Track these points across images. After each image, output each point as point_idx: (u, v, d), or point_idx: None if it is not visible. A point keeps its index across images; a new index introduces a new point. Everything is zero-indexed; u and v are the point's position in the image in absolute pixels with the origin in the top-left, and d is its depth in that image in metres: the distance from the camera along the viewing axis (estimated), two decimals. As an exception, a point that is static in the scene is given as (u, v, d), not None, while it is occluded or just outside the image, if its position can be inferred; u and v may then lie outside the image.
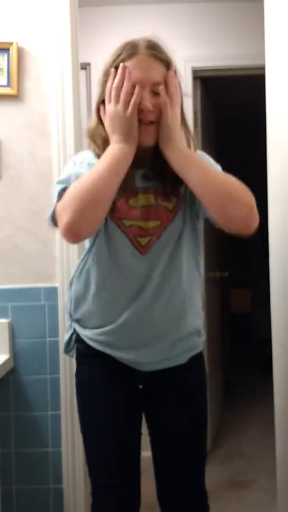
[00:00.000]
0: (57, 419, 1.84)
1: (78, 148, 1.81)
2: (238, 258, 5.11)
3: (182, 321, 1.33)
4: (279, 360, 1.82)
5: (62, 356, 1.82)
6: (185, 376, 1.36)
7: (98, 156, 1.26)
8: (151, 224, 1.27)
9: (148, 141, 1.24)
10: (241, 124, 4.50)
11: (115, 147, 1.20)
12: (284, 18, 1.76)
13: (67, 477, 1.84)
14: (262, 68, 1.83)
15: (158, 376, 1.34)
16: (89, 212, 1.15)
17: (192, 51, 2.71)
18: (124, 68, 1.19)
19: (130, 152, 1.20)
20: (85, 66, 2.60)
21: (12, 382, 1.84)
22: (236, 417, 3.40)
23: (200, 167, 1.22)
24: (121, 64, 1.20)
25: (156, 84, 1.21)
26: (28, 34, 1.82)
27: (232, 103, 3.83)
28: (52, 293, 1.84)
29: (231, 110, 3.97)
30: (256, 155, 2.59)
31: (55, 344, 1.83)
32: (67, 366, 1.81)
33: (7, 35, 1.82)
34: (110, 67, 1.23)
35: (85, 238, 1.25)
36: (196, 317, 1.37)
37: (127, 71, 1.19)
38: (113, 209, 1.25)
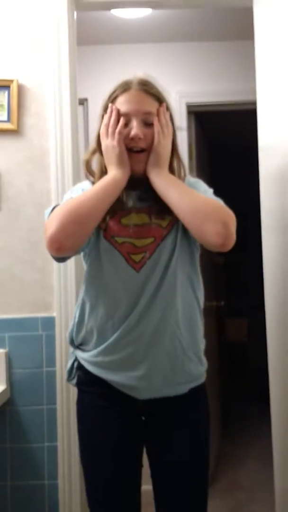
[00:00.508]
0: (53, 450, 1.82)
1: (76, 180, 1.86)
2: (234, 287, 5.13)
3: (177, 341, 1.32)
4: (276, 391, 1.80)
5: (59, 387, 1.82)
6: (188, 409, 1.35)
7: (93, 183, 1.35)
8: (145, 241, 1.32)
9: (140, 168, 1.32)
10: (235, 156, 4.59)
11: (109, 175, 1.30)
12: (273, 57, 1.85)
13: (64, 510, 1.81)
14: (254, 103, 1.89)
15: (159, 407, 1.33)
16: (72, 228, 1.22)
17: (186, 87, 2.80)
18: (111, 106, 1.31)
19: (122, 179, 1.29)
20: (82, 102, 2.68)
21: (9, 413, 1.82)
22: (234, 450, 3.35)
23: (179, 191, 1.29)
24: (109, 105, 1.32)
25: (148, 114, 1.31)
26: (28, 72, 1.89)
27: (225, 136, 3.93)
28: (49, 323, 1.84)
29: (224, 142, 4.07)
30: (249, 186, 2.65)
31: (52, 374, 1.83)
32: (64, 396, 1.81)
33: (8, 72, 1.89)
34: (107, 102, 1.34)
35: (68, 252, 1.28)
36: (195, 340, 1.35)
37: (114, 108, 1.31)
38: (105, 228, 1.32)
